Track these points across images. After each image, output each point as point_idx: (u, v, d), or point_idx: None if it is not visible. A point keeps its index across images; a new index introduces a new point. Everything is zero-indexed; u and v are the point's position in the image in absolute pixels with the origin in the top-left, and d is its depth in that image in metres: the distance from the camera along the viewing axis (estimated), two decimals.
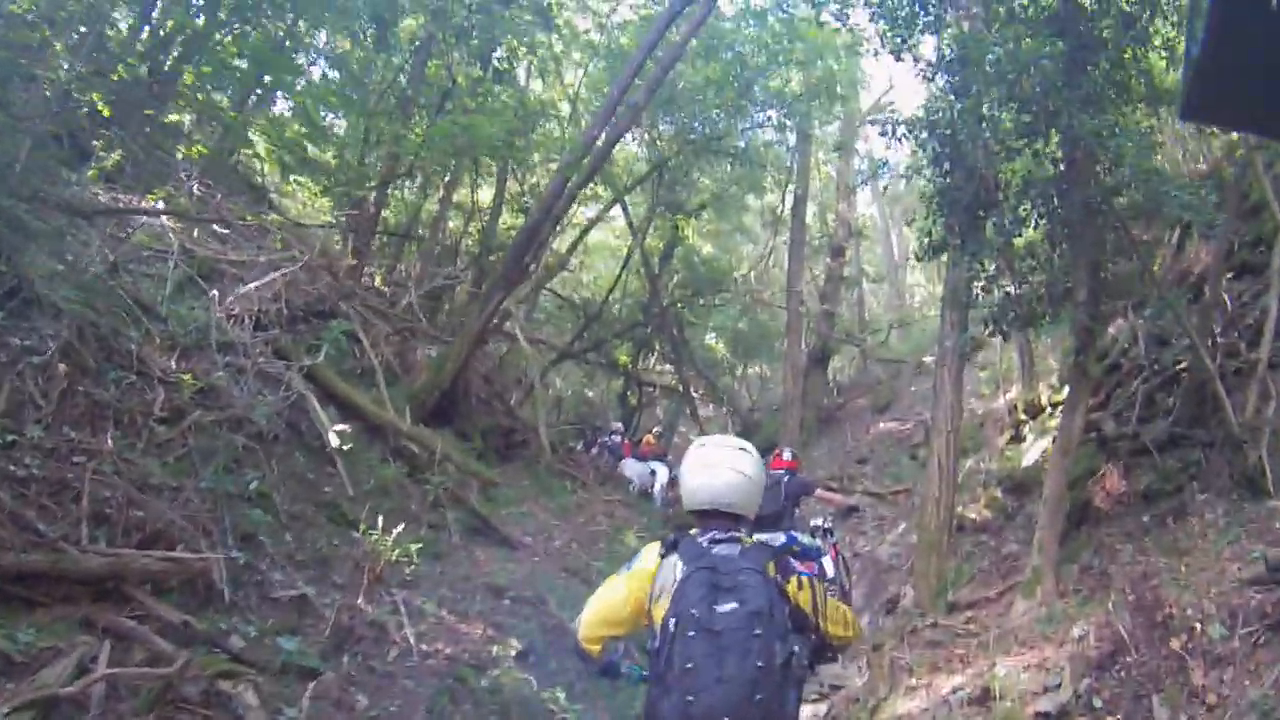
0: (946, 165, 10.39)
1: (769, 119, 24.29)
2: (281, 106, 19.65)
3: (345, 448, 11.00)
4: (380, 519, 10.07)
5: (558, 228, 23.82)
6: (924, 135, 10.37)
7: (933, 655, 9.58)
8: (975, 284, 11.13)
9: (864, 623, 12.76)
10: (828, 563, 11.81)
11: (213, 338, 10.26)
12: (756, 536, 10.54)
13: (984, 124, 9.75)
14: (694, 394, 30.92)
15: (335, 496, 10.75)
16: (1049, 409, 14.72)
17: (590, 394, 34.80)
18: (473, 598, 10.80)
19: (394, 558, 9.81)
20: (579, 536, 15.24)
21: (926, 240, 11.10)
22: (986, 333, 11.34)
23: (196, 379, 9.48)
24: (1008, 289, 10.86)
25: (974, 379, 19.47)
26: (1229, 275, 11.45)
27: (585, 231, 26.83)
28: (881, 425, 22.94)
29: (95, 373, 8.52)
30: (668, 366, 32.59)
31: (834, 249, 27.56)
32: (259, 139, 17.33)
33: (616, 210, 27.85)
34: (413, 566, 10.22)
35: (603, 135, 16.54)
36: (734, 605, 3.63)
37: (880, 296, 39.70)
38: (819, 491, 12.85)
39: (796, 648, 3.71)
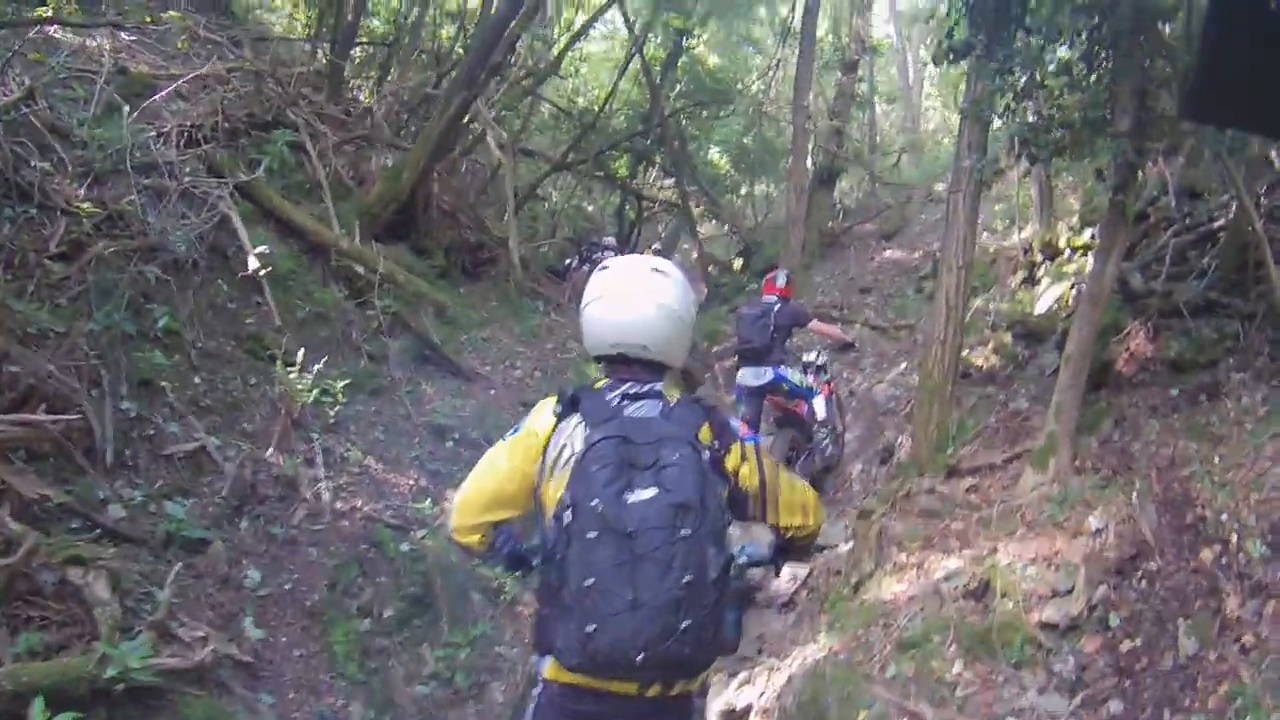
0: None
1: None
2: None
3: (265, 270, 10.02)
4: (306, 352, 9.24)
5: (549, 28, 22.48)
6: None
7: (927, 527, 8.55)
8: (1000, 99, 9.55)
9: (856, 471, 12.01)
10: (819, 403, 11.13)
11: (127, 160, 9.30)
12: (742, 372, 9.29)
13: None
14: (694, 210, 29.66)
15: (260, 329, 9.82)
16: (1067, 252, 13.52)
17: (589, 208, 33.57)
18: (410, 441, 10.03)
19: (312, 398, 8.92)
20: (545, 364, 14.34)
21: (946, 43, 9.49)
22: (1011, 158, 10.00)
23: (105, 206, 8.67)
24: (1039, 109, 9.36)
25: (988, 212, 18.28)
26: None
27: (577, 35, 25.28)
28: (887, 253, 21.90)
29: None
30: (668, 181, 31.41)
31: (846, 64, 25.77)
32: None
33: (618, 20, 26.75)
34: (338, 407, 9.35)
35: None
36: (653, 492, 2.91)
37: (893, 119, 37.87)
38: (814, 323, 11.66)
39: (740, 548, 3.21)
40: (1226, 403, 8.17)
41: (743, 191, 35.37)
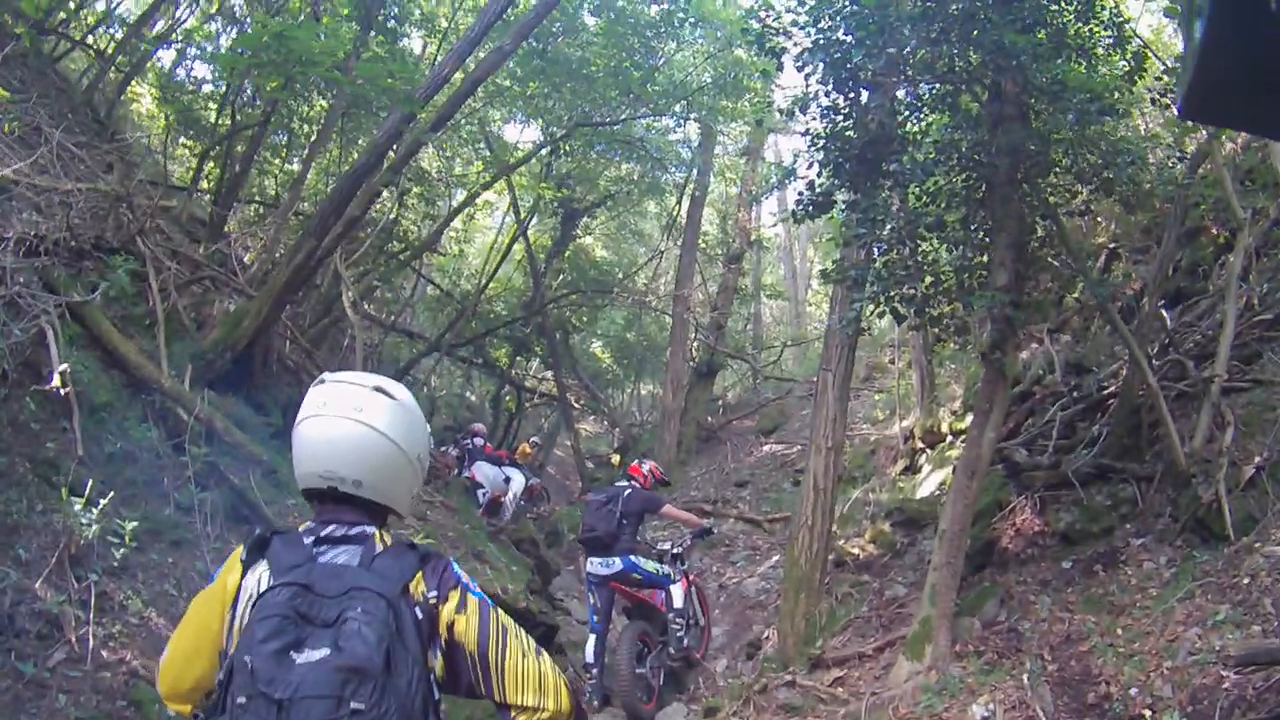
0: (838, 99, 8.92)
1: (671, 111, 22.93)
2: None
3: (65, 390, 9.10)
4: (109, 490, 8.48)
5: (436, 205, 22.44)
6: (811, 55, 8.49)
7: None
8: (864, 251, 9.53)
9: (720, 668, 11.26)
10: (677, 592, 10.32)
11: None
12: (590, 561, 8.49)
13: (893, 62, 8.13)
14: (573, 403, 29.37)
15: (60, 456, 8.90)
16: (950, 438, 13.35)
17: (471, 396, 33.04)
18: None
19: (94, 534, 7.99)
20: None
21: (807, 195, 9.27)
22: (877, 312, 9.56)
23: None
24: (907, 262, 8.96)
25: (868, 405, 18.22)
26: (1161, 301, 10.20)
27: (457, 210, 24.87)
28: (766, 448, 21.84)
29: None
30: (550, 372, 30.94)
31: (731, 257, 26.19)
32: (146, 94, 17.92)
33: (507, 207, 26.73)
34: (125, 551, 8.37)
35: (457, 74, 14.68)
36: (324, 653, 2.33)
37: (777, 315, 38.20)
38: (666, 508, 11.09)
39: None
40: (1126, 570, 7.76)
41: (627, 390, 35.46)
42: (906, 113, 9.04)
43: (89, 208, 12.14)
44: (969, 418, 12.29)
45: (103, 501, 8.14)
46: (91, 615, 7.35)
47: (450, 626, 2.61)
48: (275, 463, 12.62)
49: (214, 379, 12.55)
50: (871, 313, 9.66)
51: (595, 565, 10.29)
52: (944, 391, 15.54)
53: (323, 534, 2.68)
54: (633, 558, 10.12)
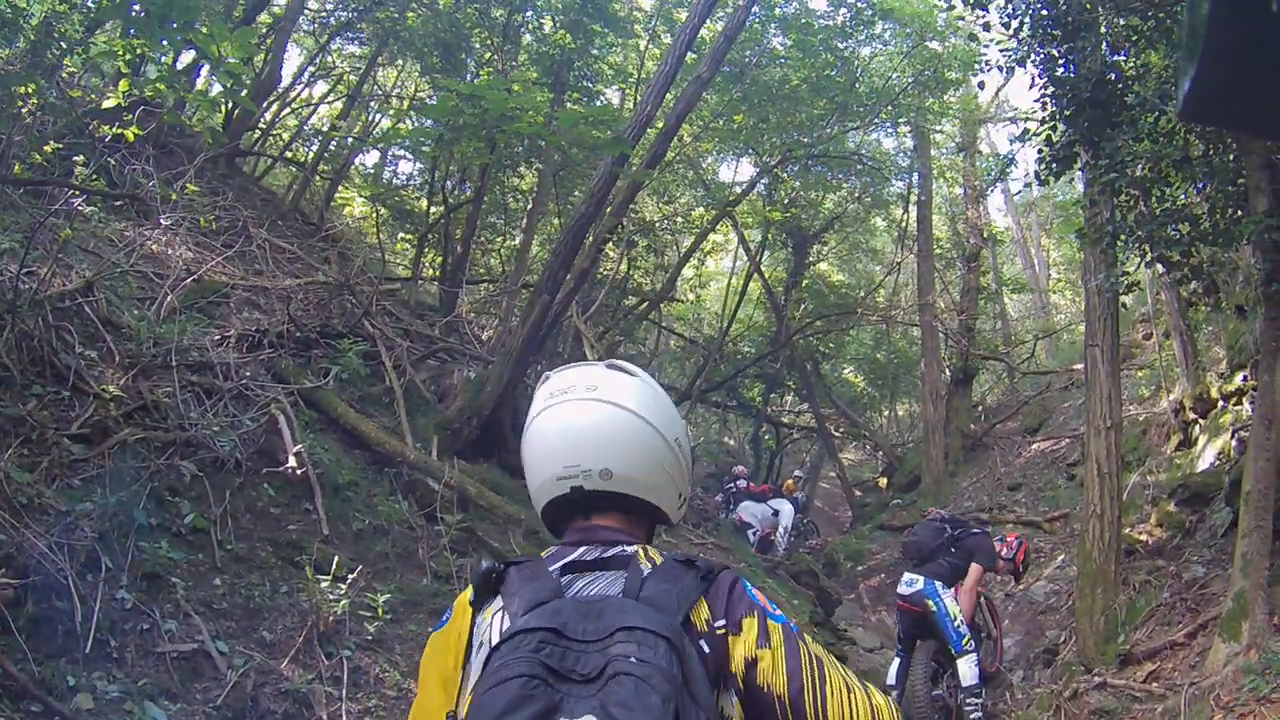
0: (1055, 52, 8.41)
1: (880, 118, 22.56)
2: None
3: (302, 471, 9.34)
4: (360, 567, 8.75)
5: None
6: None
7: None
8: (1115, 199, 8.74)
9: (1017, 679, 10.62)
10: (965, 667, 9.31)
11: (172, 356, 9.28)
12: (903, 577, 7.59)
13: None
14: (833, 432, 29.03)
15: (302, 536, 9.08)
16: (1221, 403, 12.28)
17: (729, 440, 32.90)
18: None
19: (342, 610, 8.00)
20: None
21: (1047, 152, 8.60)
22: (1143, 263, 9.00)
23: (142, 395, 8.58)
24: (1163, 205, 8.31)
25: (1131, 382, 17.07)
26: None
27: (688, 255, 24.86)
28: (1034, 447, 20.73)
29: (18, 386, 7.72)
30: (805, 405, 30.84)
31: (967, 257, 25.31)
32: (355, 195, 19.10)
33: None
34: (378, 624, 8.38)
35: (659, 110, 14.54)
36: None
37: (1022, 309, 36.93)
38: (974, 575, 9.77)
39: None
40: None
41: (885, 412, 34.81)
42: (1127, 47, 8.47)
43: (311, 299, 12.62)
44: (1238, 378, 11.36)
45: (351, 576, 8.21)
46: (344, 692, 7.32)
47: (750, 665, 1.91)
48: (534, 522, 12.56)
49: (461, 447, 12.65)
50: (1136, 266, 8.93)
51: (902, 584, 9.69)
52: (1207, 356, 14.42)
53: (571, 558, 2.07)
54: (937, 585, 9.36)
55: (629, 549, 2.05)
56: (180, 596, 7.38)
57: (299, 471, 9.21)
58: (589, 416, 2.11)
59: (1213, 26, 1.28)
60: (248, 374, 10.05)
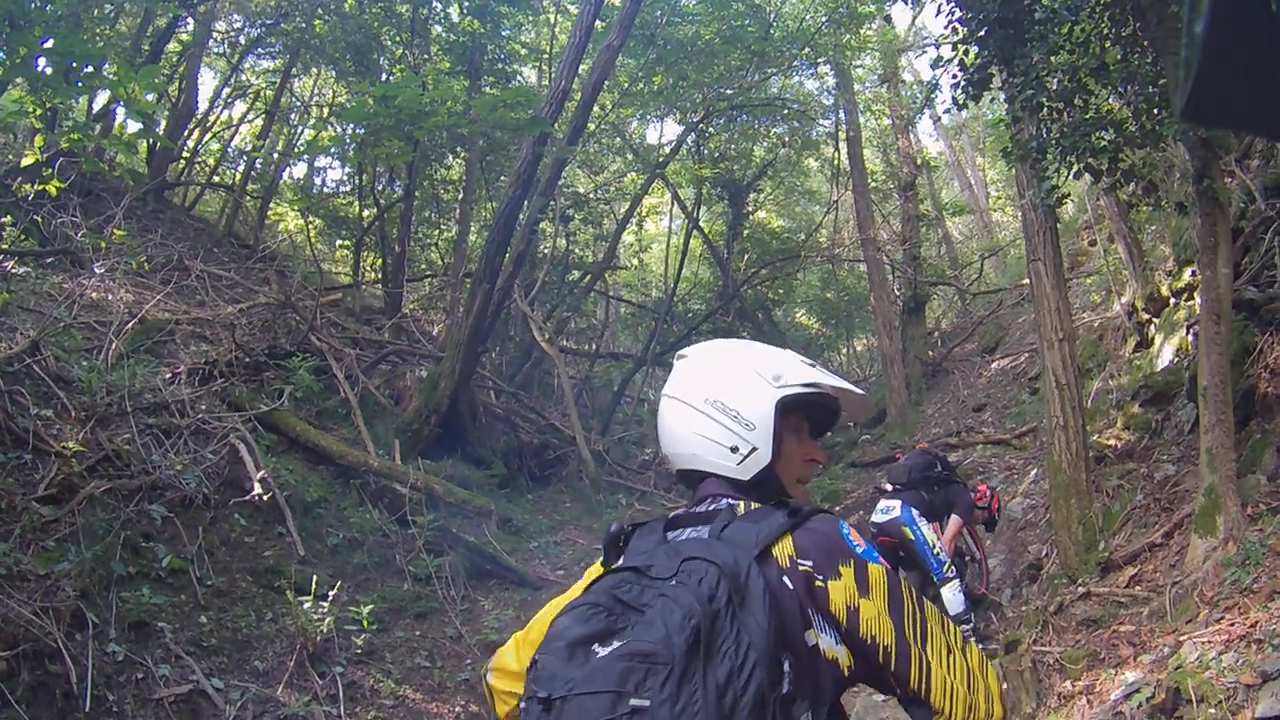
0: None
1: (799, 60, 22.55)
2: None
3: (268, 495, 9.40)
4: (340, 581, 8.90)
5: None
6: None
7: (1090, 640, 7.23)
8: (1039, 115, 8.66)
9: (1006, 598, 10.60)
10: (949, 595, 9.31)
11: (126, 402, 9.26)
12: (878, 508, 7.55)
13: None
14: None
15: (279, 560, 9.21)
16: (1172, 300, 12.27)
17: None
18: (459, 664, 9.10)
19: (327, 628, 8.12)
20: None
21: (961, 75, 8.79)
22: (1071, 174, 8.85)
23: (102, 447, 8.59)
24: (1085, 115, 8.49)
25: (1081, 293, 17.36)
26: None
27: (625, 220, 25.00)
28: (994, 366, 20.76)
29: None
30: None
31: (903, 187, 25.16)
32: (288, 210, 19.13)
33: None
34: (365, 636, 8.53)
35: (574, 83, 14.52)
36: (613, 646, 1.78)
37: (967, 230, 37.01)
38: (955, 519, 9.83)
39: None
40: None
41: (843, 350, 34.89)
42: None
43: (255, 322, 12.63)
44: (1186, 273, 11.44)
45: (332, 593, 8.26)
46: (342, 708, 7.40)
47: (853, 613, 1.94)
48: (508, 510, 12.67)
49: (424, 447, 12.68)
50: (1063, 179, 8.96)
51: (877, 513, 9.61)
52: (1153, 255, 14.55)
53: (678, 513, 2.20)
54: (914, 513, 9.30)
55: (732, 500, 2.13)
56: (169, 640, 7.45)
57: (266, 497, 9.22)
58: (662, 413, 2.31)
59: (1212, 28, 1.26)
60: (203, 407, 10.10)
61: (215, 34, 18.89)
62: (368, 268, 19.47)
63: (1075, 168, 8.49)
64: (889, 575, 1.99)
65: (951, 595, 9.04)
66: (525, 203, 13.92)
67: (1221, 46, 1.25)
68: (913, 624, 1.96)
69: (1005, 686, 1.74)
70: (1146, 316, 12.95)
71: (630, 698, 1.70)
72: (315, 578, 8.48)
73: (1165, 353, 11.74)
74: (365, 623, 8.43)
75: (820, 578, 1.93)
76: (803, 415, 2.29)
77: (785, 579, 1.90)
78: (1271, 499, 6.95)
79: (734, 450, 2.17)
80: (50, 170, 10.23)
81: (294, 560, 9.09)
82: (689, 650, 1.73)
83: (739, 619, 1.80)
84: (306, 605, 8.05)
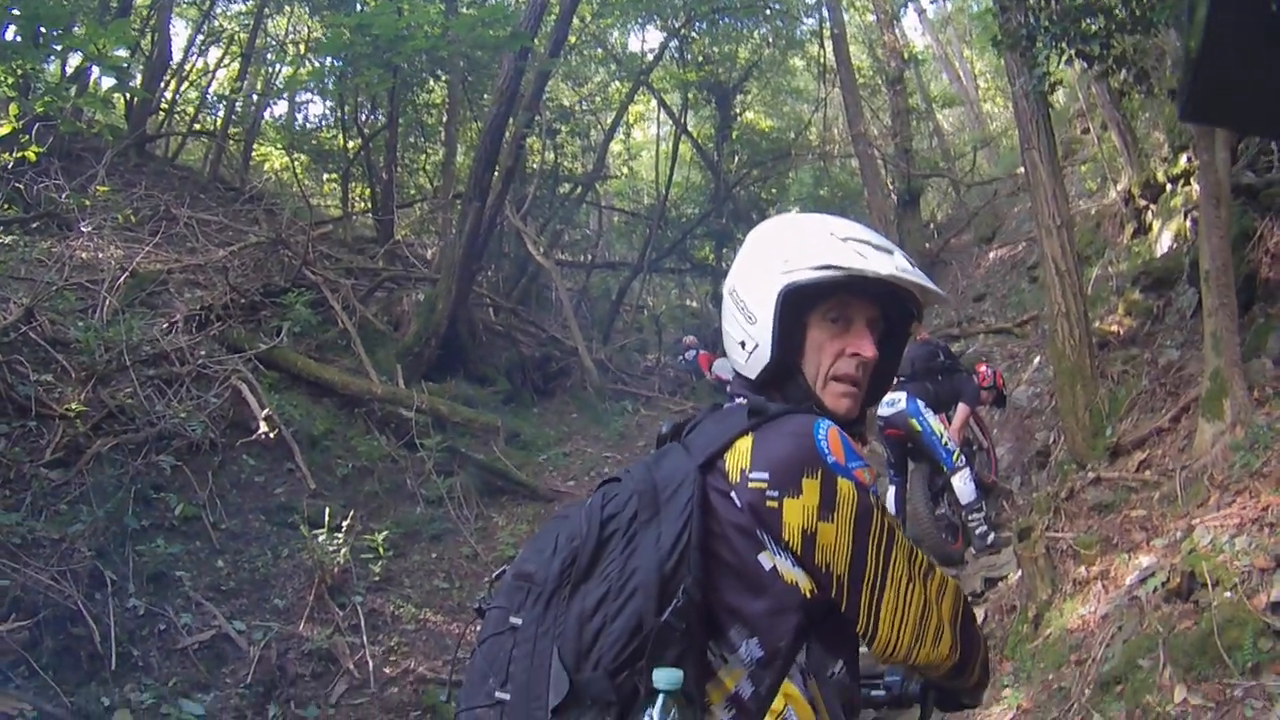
0: None
1: None
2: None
3: (274, 432, 9.46)
4: (353, 511, 8.95)
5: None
6: None
7: (1103, 526, 7.18)
8: (1028, 2, 8.61)
9: (1016, 485, 10.70)
10: (960, 484, 9.29)
11: (125, 356, 9.19)
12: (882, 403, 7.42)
13: None
14: None
15: (291, 496, 9.30)
16: (1169, 185, 12.16)
17: (691, 304, 32.76)
18: (478, 582, 9.17)
19: (343, 558, 8.18)
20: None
21: None
22: (1062, 61, 8.84)
23: (105, 404, 8.58)
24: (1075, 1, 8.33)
25: (1077, 178, 17.27)
26: None
27: (612, 129, 24.94)
28: (991, 255, 20.65)
29: None
30: None
31: (891, 81, 24.82)
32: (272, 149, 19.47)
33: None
34: (381, 562, 8.65)
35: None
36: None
37: (956, 122, 36.63)
38: (963, 407, 9.93)
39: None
40: None
41: None
42: None
43: (248, 263, 12.60)
44: (1182, 159, 11.33)
45: (345, 523, 8.31)
46: (364, 638, 7.48)
47: (809, 538, 1.77)
48: (515, 425, 12.73)
49: (426, 370, 12.75)
50: (1054, 66, 8.82)
51: (882, 405, 9.39)
52: (1148, 142, 14.40)
53: (704, 410, 2.10)
54: (920, 404, 9.31)
55: (739, 400, 2.01)
56: (188, 588, 7.55)
57: (273, 435, 9.27)
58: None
59: (1212, 27, 1.31)
60: (203, 353, 10.08)
61: None
62: (357, 198, 19.30)
63: (1066, 54, 8.38)
64: (859, 492, 1.80)
65: (962, 484, 9.10)
66: (510, 119, 13.82)
67: (1222, 46, 1.31)
68: (876, 550, 1.81)
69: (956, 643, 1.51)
70: (1144, 203, 12.86)
71: (510, 614, 1.76)
72: (328, 510, 8.51)
73: (1164, 238, 11.68)
74: (380, 550, 8.52)
75: (774, 494, 1.77)
76: (844, 302, 2.02)
77: (734, 495, 1.79)
78: (1277, 383, 6.93)
79: (742, 345, 2.03)
80: (28, 137, 10.09)
81: (305, 495, 9.15)
82: (561, 572, 1.75)
83: (637, 540, 1.75)
84: (321, 538, 8.11)
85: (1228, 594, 4.90)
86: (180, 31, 20.86)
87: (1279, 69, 1.36)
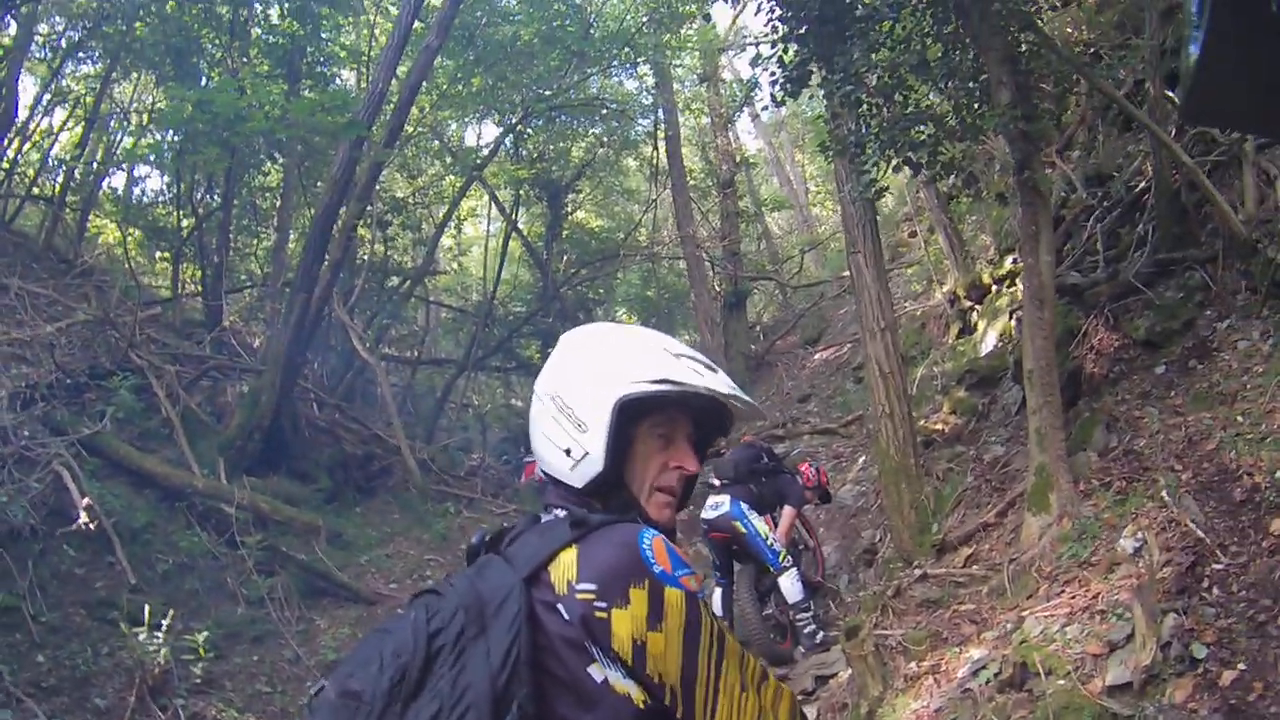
0: None
1: (618, 61, 22.79)
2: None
3: (94, 524, 8.99)
4: (173, 608, 8.50)
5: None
6: None
7: (931, 620, 7.35)
8: (859, 110, 8.87)
9: (843, 584, 10.82)
10: (787, 584, 9.36)
11: None
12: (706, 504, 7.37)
13: None
14: None
15: (111, 591, 8.94)
16: (994, 287, 12.74)
17: (517, 403, 32.66)
18: (300, 687, 8.94)
19: (163, 659, 7.88)
20: (462, 567, 13.00)
21: (780, 73, 8.86)
22: (890, 167, 9.12)
23: None
24: (904, 110, 8.78)
25: (903, 282, 17.91)
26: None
27: (443, 223, 25.04)
28: (817, 357, 21.26)
29: None
30: None
31: (722, 184, 25.68)
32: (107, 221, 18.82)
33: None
34: (202, 664, 8.35)
35: (392, 86, 14.57)
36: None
37: (786, 225, 37.72)
38: (789, 510, 9.93)
39: None
40: (1223, 356, 7.39)
41: None
42: None
43: (75, 341, 12.11)
44: (1008, 262, 11.84)
45: (165, 621, 7.99)
46: None
47: (639, 648, 1.76)
48: (337, 525, 12.45)
49: (249, 464, 12.41)
50: (882, 173, 9.15)
51: (706, 509, 9.56)
52: (974, 244, 15.03)
53: (521, 524, 2.07)
54: (744, 506, 9.33)
55: (560, 511, 1.97)
56: (8, 682, 7.20)
57: (93, 525, 8.87)
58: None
59: (1212, 27, 1.35)
60: (26, 433, 9.64)
61: (38, 36, 18.04)
62: (187, 279, 18.85)
63: (894, 161, 8.69)
64: (688, 602, 1.80)
65: (789, 584, 9.16)
66: (342, 209, 13.71)
67: (1222, 46, 1.33)
68: (707, 659, 1.80)
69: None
70: (969, 304, 13.32)
71: None
72: (148, 607, 8.17)
73: (989, 338, 12.09)
74: (202, 651, 8.23)
75: (602, 605, 1.76)
76: (671, 417, 2.06)
77: (560, 607, 1.78)
78: (1102, 474, 7.20)
79: (568, 453, 2.01)
80: None
81: (125, 589, 8.79)
82: (390, 690, 1.70)
83: (467, 655, 1.74)
84: (141, 636, 7.81)
85: (1061, 681, 5.05)
86: (28, 89, 20.26)
87: (1279, 69, 1.39)
